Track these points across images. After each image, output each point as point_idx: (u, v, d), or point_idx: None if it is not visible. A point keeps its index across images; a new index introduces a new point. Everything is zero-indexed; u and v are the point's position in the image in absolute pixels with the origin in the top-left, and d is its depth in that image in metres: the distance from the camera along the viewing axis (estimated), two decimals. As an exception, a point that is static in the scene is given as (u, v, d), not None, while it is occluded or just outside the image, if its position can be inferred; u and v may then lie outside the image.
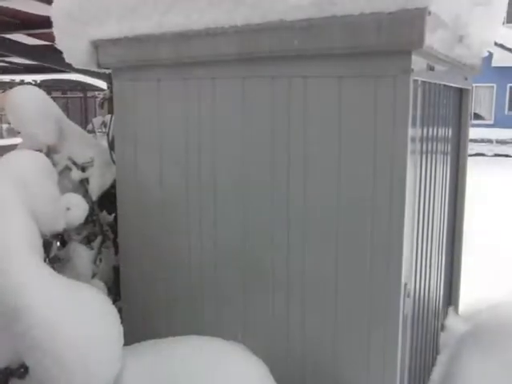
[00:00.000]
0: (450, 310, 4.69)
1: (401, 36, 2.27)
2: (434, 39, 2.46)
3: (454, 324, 4.41)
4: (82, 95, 24.59)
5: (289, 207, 2.62)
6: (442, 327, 4.35)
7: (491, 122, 23.98)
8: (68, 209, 2.88)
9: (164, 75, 2.90)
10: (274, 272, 2.70)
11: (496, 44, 21.27)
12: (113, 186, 3.33)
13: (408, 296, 2.59)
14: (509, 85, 24.44)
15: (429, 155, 3.08)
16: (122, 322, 2.42)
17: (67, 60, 3.14)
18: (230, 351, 2.59)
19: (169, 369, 2.49)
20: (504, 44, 22.15)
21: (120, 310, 3.01)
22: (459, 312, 4.78)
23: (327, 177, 2.51)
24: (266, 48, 2.54)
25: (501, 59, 23.39)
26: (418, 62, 2.41)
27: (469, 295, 4.92)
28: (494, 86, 24.50)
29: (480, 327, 4.03)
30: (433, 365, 3.92)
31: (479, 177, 13.65)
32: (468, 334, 4.04)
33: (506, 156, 20.04)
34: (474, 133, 19.74)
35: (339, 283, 2.55)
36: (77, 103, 25.07)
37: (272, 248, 2.69)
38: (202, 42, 2.68)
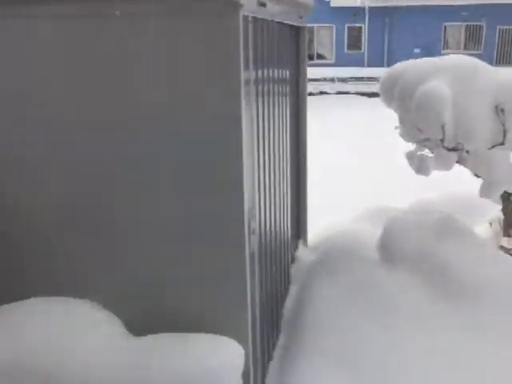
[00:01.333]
0: (300, 242, 4.93)
1: (226, -30, 2.21)
2: (261, -26, 2.43)
3: (304, 255, 4.66)
4: None
5: (123, 151, 2.49)
6: (293, 259, 4.56)
7: (332, 62, 25.06)
8: None
9: None
10: (114, 220, 2.58)
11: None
12: None
13: (253, 233, 2.64)
14: (347, 25, 25.57)
15: (266, 95, 3.11)
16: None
17: None
18: (79, 309, 2.50)
19: (15, 337, 2.35)
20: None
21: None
22: (308, 243, 5.05)
23: (162, 122, 2.42)
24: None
25: (339, 0, 24.33)
26: (247, -2, 2.37)
27: (316, 226, 5.20)
28: (334, 26, 25.50)
29: (327, 254, 4.28)
30: (286, 295, 4.11)
31: (322, 114, 14.32)
32: (316, 262, 4.28)
33: (347, 93, 21.13)
34: (317, 72, 20.54)
35: (183, 226, 2.52)
36: None
37: (111, 195, 2.56)
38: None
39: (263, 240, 3.03)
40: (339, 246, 4.38)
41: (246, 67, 2.49)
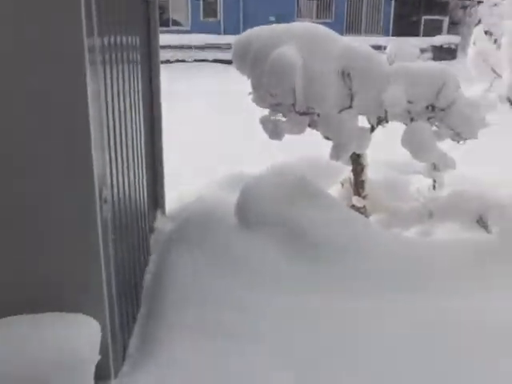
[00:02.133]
0: (158, 212, 4.86)
1: None
2: None
3: (163, 225, 4.60)
4: None
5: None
6: (152, 229, 4.49)
7: (188, 29, 24.69)
8: None
9: None
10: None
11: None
12: None
13: (105, 202, 2.54)
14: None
15: (114, 63, 2.97)
16: None
17: None
18: None
19: None
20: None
21: None
22: (167, 213, 4.99)
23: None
24: None
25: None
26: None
27: (175, 194, 5.15)
28: (189, -8, 25.08)
29: (185, 223, 4.27)
30: (146, 265, 4.04)
31: (179, 81, 14.19)
32: (175, 230, 4.25)
33: (205, 61, 21.02)
34: (173, 39, 20.20)
35: (29, 198, 2.37)
36: None
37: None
38: None
39: (117, 210, 2.93)
40: (197, 214, 4.38)
41: (90, 34, 2.35)
